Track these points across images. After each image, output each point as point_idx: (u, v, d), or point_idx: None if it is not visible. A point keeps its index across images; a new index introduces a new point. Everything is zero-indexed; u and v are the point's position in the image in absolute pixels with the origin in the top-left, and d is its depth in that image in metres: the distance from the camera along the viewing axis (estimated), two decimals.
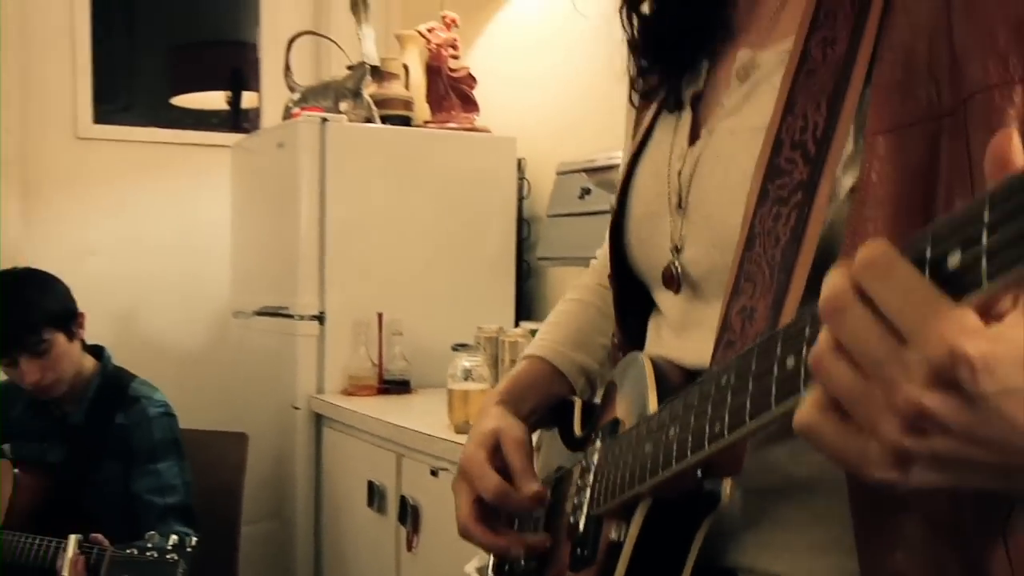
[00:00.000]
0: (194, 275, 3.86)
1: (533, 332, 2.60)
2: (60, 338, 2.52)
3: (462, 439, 2.26)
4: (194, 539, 2.17)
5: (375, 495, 2.58)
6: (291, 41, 3.45)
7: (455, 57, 3.24)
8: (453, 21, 3.24)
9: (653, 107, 1.14)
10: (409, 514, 2.42)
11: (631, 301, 1.16)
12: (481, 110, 3.26)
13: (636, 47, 1.14)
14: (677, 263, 1.02)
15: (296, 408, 2.95)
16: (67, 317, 2.56)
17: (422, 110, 3.29)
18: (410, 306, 3.01)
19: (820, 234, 0.86)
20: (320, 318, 2.95)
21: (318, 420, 2.94)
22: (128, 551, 2.15)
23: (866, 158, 0.86)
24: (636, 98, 1.16)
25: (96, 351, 2.68)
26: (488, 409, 1.21)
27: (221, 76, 4.43)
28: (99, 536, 2.24)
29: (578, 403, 1.21)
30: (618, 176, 1.15)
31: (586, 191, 2.89)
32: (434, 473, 2.35)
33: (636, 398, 1.00)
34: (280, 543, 3.01)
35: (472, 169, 3.14)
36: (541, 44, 3.27)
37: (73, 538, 2.23)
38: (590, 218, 2.84)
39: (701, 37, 1.09)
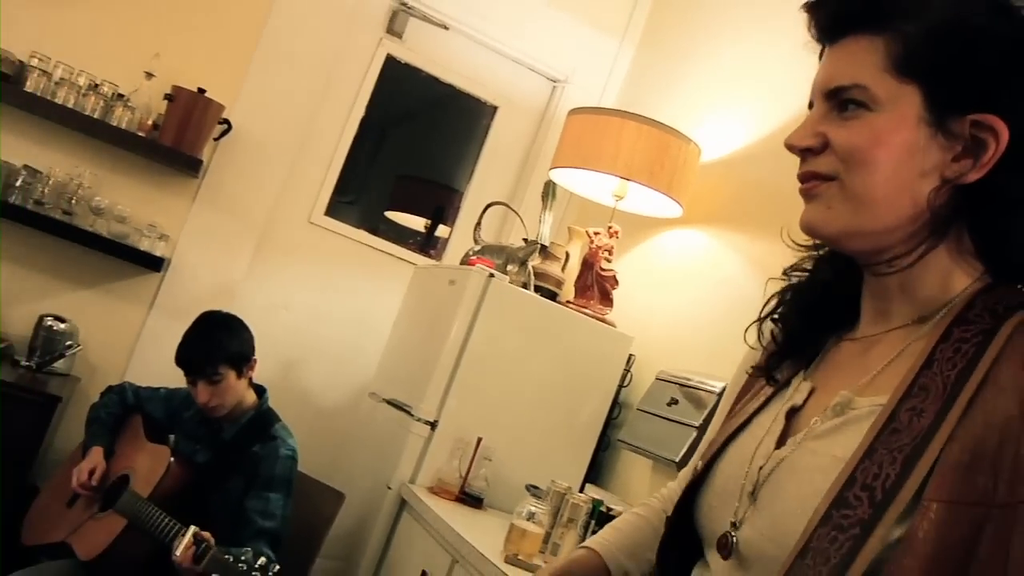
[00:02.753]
0: (351, 351, 3.92)
1: (595, 500, 2.57)
2: (231, 374, 2.59)
3: (507, 568, 2.23)
4: (278, 567, 2.16)
5: None
6: (488, 206, 3.54)
7: (608, 260, 3.26)
8: (615, 233, 3.27)
9: (763, 393, 1.14)
10: None
11: (677, 545, 1.15)
12: (614, 308, 3.27)
13: (771, 348, 1.15)
14: (734, 536, 1.01)
15: (389, 488, 2.91)
16: (242, 359, 2.62)
17: (568, 291, 3.32)
18: (505, 440, 2.98)
19: (864, 569, 0.85)
20: (433, 425, 2.93)
21: (402, 503, 2.90)
22: (226, 556, 2.16)
23: (919, 518, 0.84)
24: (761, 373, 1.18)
25: (259, 390, 2.73)
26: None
27: (427, 207, 4.55)
28: (208, 534, 2.26)
29: None
30: (712, 441, 1.14)
31: (674, 401, 2.86)
32: None
33: None
34: None
35: (590, 349, 3.13)
36: (677, 270, 3.29)
37: (192, 529, 2.27)
38: (670, 424, 2.80)
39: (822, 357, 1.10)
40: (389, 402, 3.20)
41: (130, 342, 3.62)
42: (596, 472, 3.18)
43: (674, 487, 1.36)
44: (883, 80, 0.99)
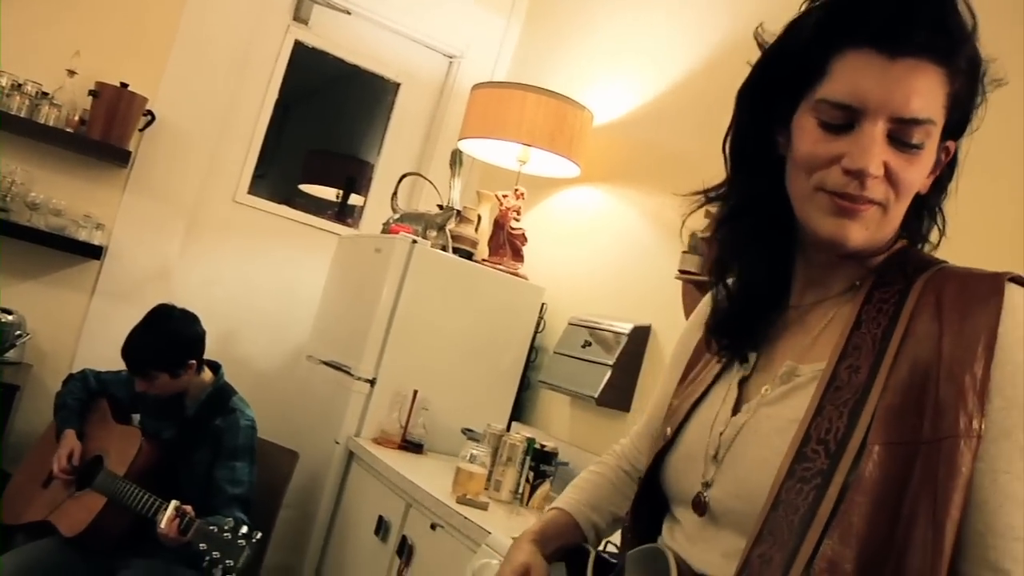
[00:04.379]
0: (283, 319, 3.87)
1: (529, 439, 2.62)
2: (163, 376, 2.53)
3: (459, 508, 2.26)
4: (259, 533, 2.15)
5: (382, 527, 2.54)
6: (403, 177, 3.50)
7: (516, 219, 3.28)
8: (521, 195, 3.29)
9: (713, 365, 1.17)
10: (406, 550, 2.39)
11: (647, 502, 1.19)
12: (525, 262, 3.30)
13: (715, 317, 1.17)
14: (706, 496, 1.05)
15: (336, 443, 2.91)
16: (173, 364, 2.55)
17: (482, 250, 3.33)
18: (438, 389, 3.00)
19: (829, 511, 0.89)
20: (372, 382, 2.93)
21: (350, 456, 2.91)
22: (210, 527, 2.13)
23: (865, 460, 0.89)
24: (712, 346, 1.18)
25: (214, 366, 2.68)
26: (522, 544, 1.24)
27: (338, 178, 4.48)
28: (189, 508, 2.24)
29: (593, 553, 1.23)
30: (679, 411, 1.16)
31: (588, 343, 2.92)
32: (433, 527, 2.32)
33: None
34: (299, 538, 2.97)
35: (507, 302, 3.16)
36: (579, 225, 3.33)
37: (173, 503, 2.25)
38: (585, 364, 2.86)
39: (761, 329, 1.13)
40: (328, 363, 3.18)
41: (76, 327, 3.49)
42: (520, 411, 3.23)
43: (626, 443, 1.40)
44: (941, 117, 0.97)
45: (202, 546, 2.12)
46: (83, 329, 3.49)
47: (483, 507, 2.30)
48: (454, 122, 4.00)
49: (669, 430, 1.14)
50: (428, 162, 4.09)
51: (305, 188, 4.49)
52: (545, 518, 1.30)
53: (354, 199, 4.36)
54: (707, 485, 1.05)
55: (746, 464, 1.01)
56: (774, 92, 1.06)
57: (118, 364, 2.85)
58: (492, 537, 2.00)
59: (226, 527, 2.14)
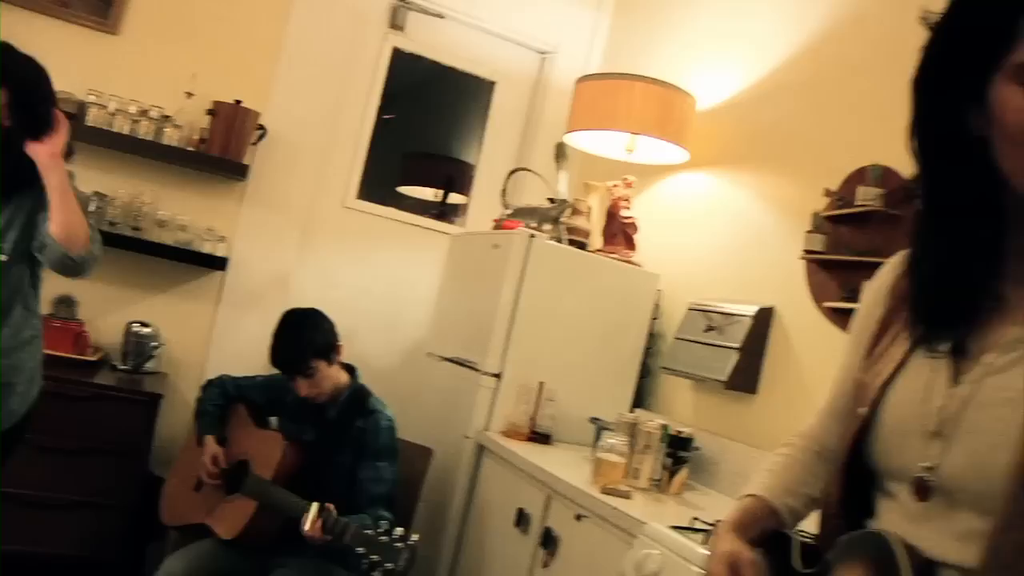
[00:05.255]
0: (397, 317, 3.85)
1: (664, 425, 2.54)
2: (322, 365, 2.50)
3: (604, 498, 2.20)
4: (401, 529, 2.11)
5: (523, 519, 2.50)
6: (511, 173, 3.45)
7: (627, 208, 3.20)
8: (630, 183, 3.21)
9: (904, 339, 1.08)
10: (551, 541, 2.33)
11: (850, 484, 1.10)
12: (638, 250, 3.22)
13: (915, 298, 1.08)
14: (931, 478, 0.96)
15: (467, 437, 2.88)
16: (328, 349, 2.54)
17: (595, 240, 3.25)
18: (561, 380, 2.94)
19: None
20: (498, 376, 2.89)
21: (480, 449, 2.87)
22: (368, 530, 2.11)
23: None
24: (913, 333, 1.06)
25: (350, 368, 2.65)
26: (724, 535, 1.16)
27: (436, 179, 4.45)
28: (331, 506, 2.22)
29: (797, 541, 1.14)
30: (869, 388, 1.07)
31: (710, 327, 2.82)
32: (578, 518, 2.26)
33: (885, 570, 0.95)
34: (434, 532, 2.94)
35: (623, 290, 3.09)
36: (690, 210, 3.23)
37: (315, 504, 2.23)
38: (710, 348, 2.77)
39: (972, 302, 1.02)
40: (450, 360, 3.14)
41: (205, 335, 3.54)
42: (641, 398, 3.15)
43: (813, 423, 1.30)
44: None
45: (360, 549, 2.10)
46: (211, 337, 3.53)
47: (626, 496, 2.23)
48: (551, 117, 3.95)
49: (864, 408, 1.05)
50: (527, 158, 4.03)
51: (403, 190, 4.47)
52: (740, 505, 1.22)
53: (453, 198, 4.32)
54: (928, 463, 0.96)
55: (981, 438, 0.92)
56: (956, 71, 0.95)
57: (245, 369, 2.90)
58: (648, 527, 1.93)
59: (381, 529, 2.10)
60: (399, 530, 2.10)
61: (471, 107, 4.25)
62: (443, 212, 4.28)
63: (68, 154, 2.15)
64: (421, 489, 2.73)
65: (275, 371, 2.59)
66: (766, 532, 1.19)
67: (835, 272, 2.52)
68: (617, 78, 3.12)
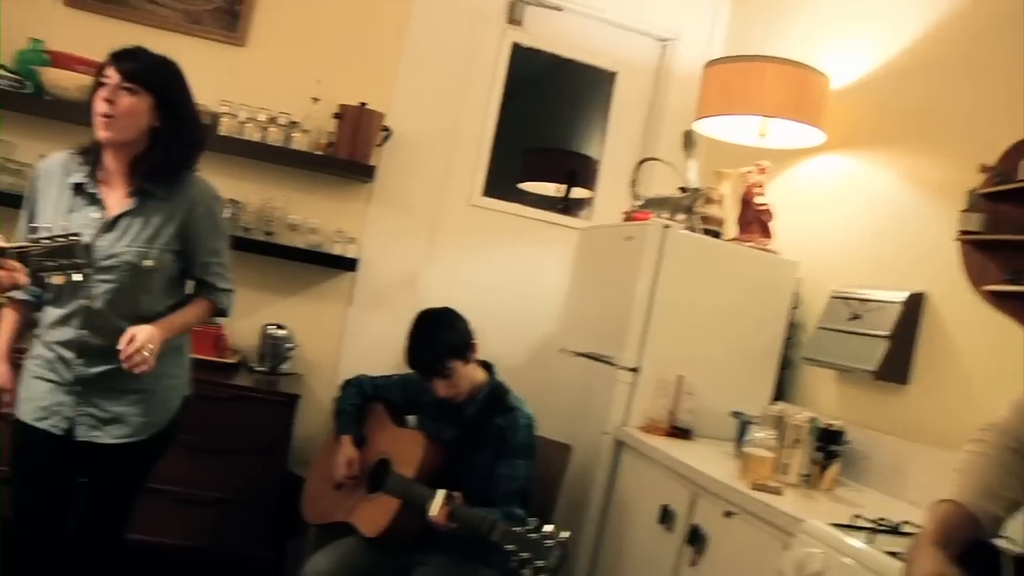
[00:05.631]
0: (526, 314, 3.82)
1: (813, 418, 2.42)
2: (458, 364, 2.48)
3: (756, 494, 2.10)
4: (567, 533, 2.06)
5: (667, 516, 2.42)
6: (640, 163, 3.37)
7: (761, 195, 3.08)
8: (764, 170, 3.08)
9: None
10: (699, 539, 2.25)
11: None
12: (774, 237, 3.09)
13: None
14: None
15: (604, 433, 2.82)
16: (464, 348, 2.51)
17: (729, 229, 3.14)
18: (700, 373, 2.85)
19: None
20: (635, 370, 2.82)
21: (618, 445, 2.81)
22: (516, 527, 2.08)
23: None
24: None
25: (487, 365, 2.63)
26: (925, 549, 1.07)
27: (558, 173, 4.40)
28: (459, 495, 2.25)
29: (1009, 557, 1.04)
30: None
31: (856, 316, 2.68)
32: (727, 515, 2.18)
33: None
34: (572, 529, 2.88)
35: (761, 279, 2.96)
36: (828, 193, 3.09)
37: (441, 492, 2.26)
38: (857, 337, 2.63)
39: None
40: (585, 355, 3.09)
41: (337, 336, 3.59)
42: (783, 390, 3.02)
43: (1008, 418, 1.19)
44: None
45: (509, 546, 2.06)
46: (343, 337, 3.58)
47: (777, 492, 2.13)
48: (675, 105, 3.85)
49: None
50: (652, 148, 3.93)
51: (525, 186, 4.43)
52: (938, 514, 1.12)
53: (576, 192, 4.26)
54: None
55: None
56: None
57: (376, 368, 2.91)
58: (807, 525, 1.83)
59: (530, 527, 2.07)
60: (549, 527, 2.06)
61: (592, 99, 4.18)
62: (567, 207, 4.23)
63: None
64: (560, 486, 2.68)
65: (406, 369, 2.59)
66: (968, 541, 1.09)
67: (995, 253, 2.35)
68: (747, 60, 3.01)
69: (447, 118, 3.69)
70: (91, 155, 2.15)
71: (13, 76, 3.29)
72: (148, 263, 2.12)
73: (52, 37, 3.39)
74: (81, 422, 2.13)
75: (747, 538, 2.09)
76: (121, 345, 2.04)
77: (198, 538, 3.02)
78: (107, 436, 2.14)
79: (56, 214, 2.11)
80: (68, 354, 2.12)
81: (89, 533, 2.26)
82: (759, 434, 2.28)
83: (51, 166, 2.19)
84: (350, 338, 3.58)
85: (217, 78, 3.38)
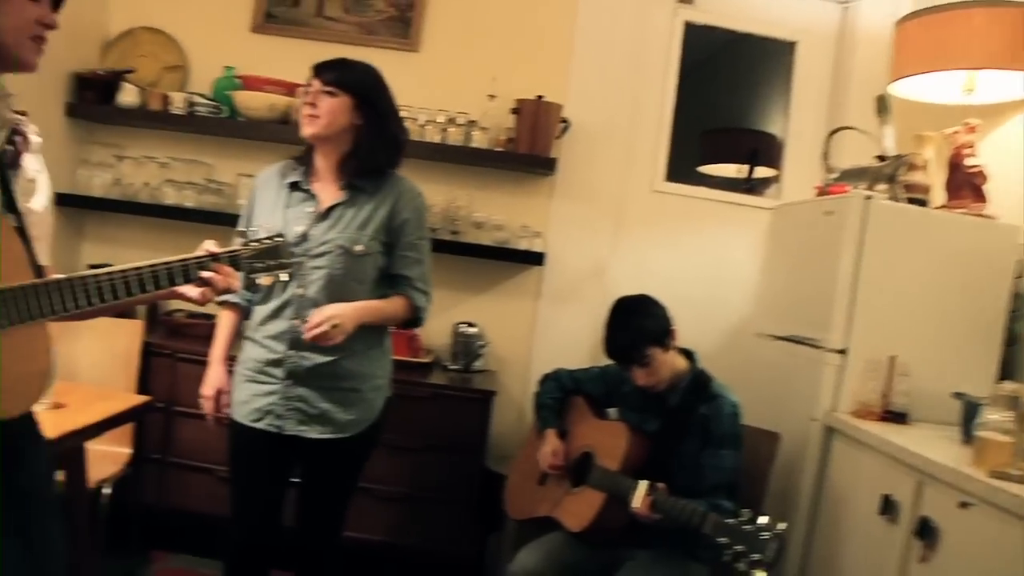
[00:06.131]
0: (716, 298, 3.69)
1: None
2: (657, 352, 2.40)
3: (997, 483, 1.92)
4: (783, 524, 1.96)
5: (889, 507, 2.25)
6: (832, 133, 3.18)
7: (972, 156, 2.83)
8: (974, 128, 2.83)
9: None
10: (929, 532, 2.08)
11: None
12: (989, 202, 2.83)
13: None
14: None
15: (813, 420, 2.67)
16: (662, 335, 2.43)
17: (936, 196, 2.91)
18: (913, 353, 2.63)
19: None
20: (843, 352, 2.65)
21: (829, 432, 2.65)
22: (730, 520, 2.00)
23: None
24: None
25: (687, 353, 2.54)
26: None
27: (738, 153, 4.24)
28: (663, 485, 2.19)
29: None
30: None
31: None
32: (963, 506, 2.00)
33: None
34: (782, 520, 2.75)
35: (977, 249, 2.71)
36: None
37: (644, 482, 2.22)
38: None
39: None
40: (785, 338, 2.94)
41: (527, 331, 3.59)
42: (1008, 368, 2.76)
43: None
44: None
45: (722, 539, 1.98)
46: (534, 332, 3.58)
47: (1022, 481, 1.93)
48: (863, 69, 3.62)
49: None
50: (839, 117, 3.70)
51: (705, 169, 4.30)
52: None
53: (759, 172, 4.09)
54: None
55: None
56: None
57: (568, 361, 2.88)
58: None
59: (744, 518, 1.98)
60: (763, 518, 1.96)
61: (771, 73, 4.01)
62: (751, 187, 4.07)
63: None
64: (769, 476, 2.56)
65: (610, 362, 2.53)
66: None
67: None
68: (950, 9, 2.75)
69: (624, 104, 3.61)
70: (304, 159, 2.32)
71: (211, 103, 3.49)
72: (359, 248, 2.22)
73: (242, 62, 3.57)
74: (289, 416, 2.23)
75: (988, 531, 1.91)
76: (309, 325, 2.14)
77: (400, 535, 3.11)
78: (313, 432, 2.23)
79: (272, 214, 2.26)
80: (280, 347, 2.23)
81: (306, 533, 2.35)
82: (993, 416, 2.08)
83: (268, 173, 2.37)
84: (541, 333, 3.57)
85: (394, 84, 3.37)
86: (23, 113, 1.54)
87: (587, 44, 3.59)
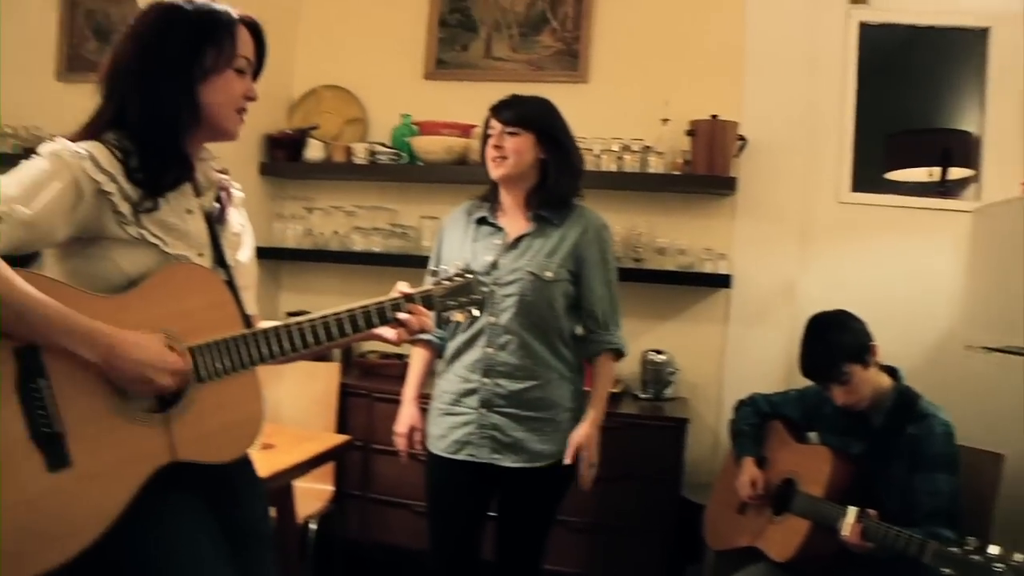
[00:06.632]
0: (914, 310, 3.45)
1: None
2: (856, 369, 2.27)
3: None
4: (1020, 557, 1.80)
5: None
6: None
7: None
8: None
9: None
10: None
11: None
12: None
13: None
14: None
15: None
16: (861, 351, 2.30)
17: None
18: None
19: None
20: None
21: None
22: (954, 549, 1.86)
23: None
24: None
25: (891, 370, 2.40)
26: None
27: (929, 156, 3.98)
28: (874, 512, 2.08)
29: None
30: None
31: None
32: None
33: None
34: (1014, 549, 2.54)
35: None
36: None
37: (853, 508, 2.09)
38: None
39: None
40: (1001, 350, 2.73)
41: (717, 356, 3.51)
42: None
43: None
44: None
45: (945, 570, 1.84)
46: (724, 357, 3.49)
47: None
48: None
49: None
50: None
51: (892, 176, 4.07)
52: None
53: (953, 173, 3.83)
54: None
55: None
56: None
57: (761, 385, 2.80)
58: None
59: (970, 547, 1.83)
60: (994, 548, 1.81)
61: (959, 65, 3.76)
62: (946, 190, 3.82)
63: None
64: (995, 501, 2.36)
65: (807, 384, 2.43)
66: None
67: None
68: None
69: (802, 115, 3.49)
70: (490, 196, 2.39)
71: (391, 150, 3.65)
72: (548, 274, 2.26)
73: (417, 109, 3.72)
74: (483, 444, 2.27)
75: None
76: (568, 459, 2.24)
77: (596, 568, 3.08)
78: (507, 460, 2.26)
79: (461, 250, 2.33)
80: (475, 376, 2.28)
81: (505, 566, 2.37)
82: None
83: (455, 214, 2.45)
84: (732, 357, 3.48)
85: (567, 116, 3.43)
86: (224, 172, 1.65)
87: (758, 57, 3.50)
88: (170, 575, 1.38)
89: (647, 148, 3.38)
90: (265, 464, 2.02)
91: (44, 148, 1.38)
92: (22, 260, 1.34)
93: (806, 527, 2.26)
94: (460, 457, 2.29)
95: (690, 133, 3.33)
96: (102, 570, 1.35)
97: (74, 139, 1.41)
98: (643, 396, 3.34)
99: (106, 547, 1.32)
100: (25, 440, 1.29)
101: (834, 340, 2.29)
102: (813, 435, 2.54)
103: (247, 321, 1.56)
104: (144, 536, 1.38)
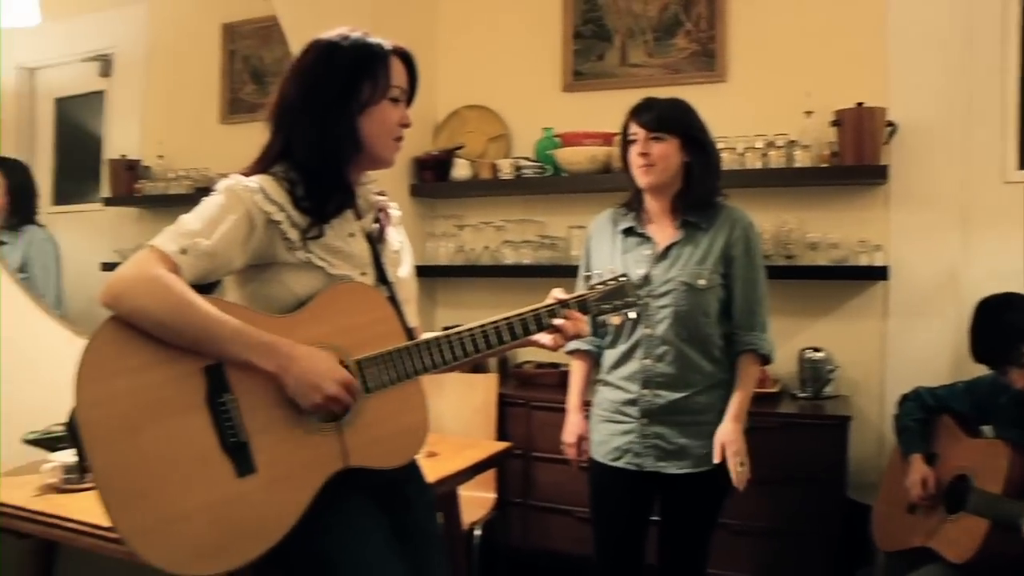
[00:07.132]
0: None
1: None
2: None
3: None
4: None
5: None
6: None
7: None
8: None
9: None
10: None
11: None
12: None
13: None
14: None
15: None
16: None
17: None
18: None
19: None
20: None
21: None
22: None
23: None
24: None
25: None
26: None
27: None
28: None
29: None
30: None
31: None
32: None
33: None
34: None
35: None
36: None
37: None
38: None
39: None
40: None
41: (878, 351, 3.40)
42: None
43: None
44: None
45: None
46: (885, 351, 3.38)
47: None
48: None
49: None
50: None
51: None
52: None
53: None
54: None
55: None
56: None
57: (926, 379, 2.72)
58: None
59: None
60: None
61: None
62: None
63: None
64: None
65: (974, 376, 2.33)
66: None
67: None
68: None
69: (956, 94, 3.33)
70: (634, 204, 2.38)
71: (535, 164, 3.74)
72: (702, 282, 2.25)
73: (558, 122, 3.80)
74: (647, 454, 2.29)
75: None
76: (716, 457, 2.21)
77: (760, 570, 3.03)
78: (672, 467, 2.26)
79: (611, 259, 2.34)
80: (634, 387, 2.30)
81: (669, 570, 2.37)
82: None
83: (600, 222, 2.46)
84: (893, 350, 3.36)
85: (707, 117, 3.40)
86: (382, 193, 1.76)
87: (902, 37, 3.37)
88: (349, 566, 1.49)
89: (792, 142, 3.33)
90: (430, 471, 2.11)
91: (220, 184, 1.52)
92: (205, 288, 1.48)
93: (985, 526, 2.17)
94: (621, 464, 2.32)
95: (835, 123, 3.25)
96: (294, 561, 1.48)
97: (247, 173, 1.55)
98: (802, 395, 3.27)
99: (293, 542, 1.44)
100: (217, 449, 1.42)
101: (1010, 320, 2.21)
102: (987, 429, 2.43)
103: (410, 334, 1.66)
104: (326, 532, 1.50)
